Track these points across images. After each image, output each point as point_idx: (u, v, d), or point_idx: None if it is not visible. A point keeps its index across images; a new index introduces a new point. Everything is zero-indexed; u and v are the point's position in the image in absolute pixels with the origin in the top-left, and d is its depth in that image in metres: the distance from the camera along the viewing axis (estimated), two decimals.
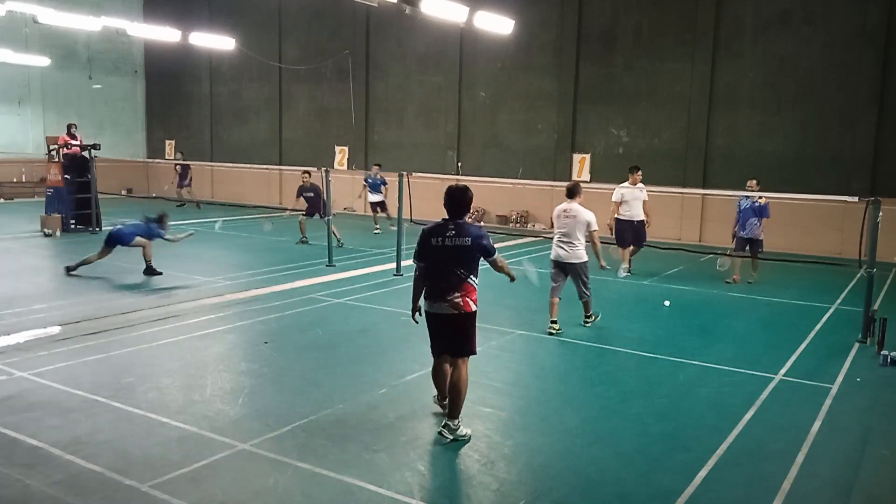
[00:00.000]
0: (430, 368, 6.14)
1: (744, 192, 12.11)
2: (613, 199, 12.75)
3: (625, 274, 12.45)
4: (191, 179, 23.64)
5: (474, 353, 5.81)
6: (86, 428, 5.55)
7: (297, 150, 24.45)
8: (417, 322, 5.95)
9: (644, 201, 12.73)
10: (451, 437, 5.52)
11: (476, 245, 5.67)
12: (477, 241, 5.67)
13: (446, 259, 5.64)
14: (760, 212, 11.96)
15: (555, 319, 8.67)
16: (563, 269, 8.76)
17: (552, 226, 9.11)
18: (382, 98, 22.65)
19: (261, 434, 5.50)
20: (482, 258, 5.75)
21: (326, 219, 14.87)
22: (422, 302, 5.85)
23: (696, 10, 17.31)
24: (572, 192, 8.86)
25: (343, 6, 21.51)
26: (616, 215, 12.72)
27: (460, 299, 5.63)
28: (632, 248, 12.86)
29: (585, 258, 8.73)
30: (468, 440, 5.53)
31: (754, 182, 12.19)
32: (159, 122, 28.42)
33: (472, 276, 5.69)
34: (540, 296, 11.16)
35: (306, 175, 15.57)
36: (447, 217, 5.77)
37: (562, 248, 8.69)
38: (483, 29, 15.24)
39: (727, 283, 12.31)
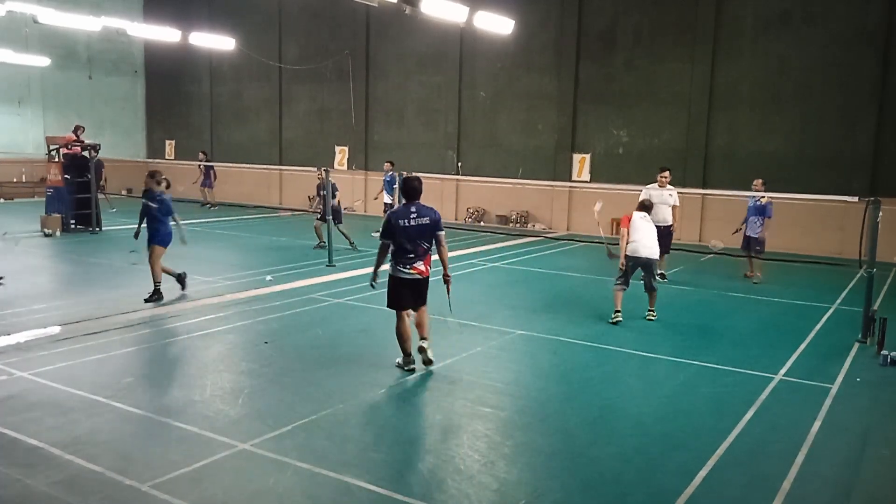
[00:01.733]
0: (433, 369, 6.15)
1: (748, 193, 12.50)
2: (640, 200, 12.24)
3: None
4: (213, 180, 23.24)
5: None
6: (86, 428, 5.55)
7: (297, 150, 24.46)
8: (375, 287, 7.28)
9: (674, 206, 12.12)
10: (428, 349, 7.13)
11: (434, 223, 7.06)
12: (434, 219, 7.09)
13: (412, 235, 6.96)
14: (761, 211, 12.25)
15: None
16: (641, 264, 9.55)
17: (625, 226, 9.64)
18: (382, 98, 22.66)
19: (261, 434, 5.50)
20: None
21: (337, 222, 14.84)
22: (390, 270, 7.14)
23: (696, 10, 17.32)
24: (647, 207, 9.86)
25: (343, 6, 21.52)
26: None
27: (423, 266, 7.09)
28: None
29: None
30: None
31: (759, 182, 12.54)
32: (159, 122, 28.43)
33: (430, 248, 7.14)
34: (540, 296, 11.17)
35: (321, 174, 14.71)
36: (406, 202, 7.06)
37: (644, 245, 9.46)
38: (483, 29, 15.25)
39: (747, 276, 12.68)
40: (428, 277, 7.13)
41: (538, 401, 6.51)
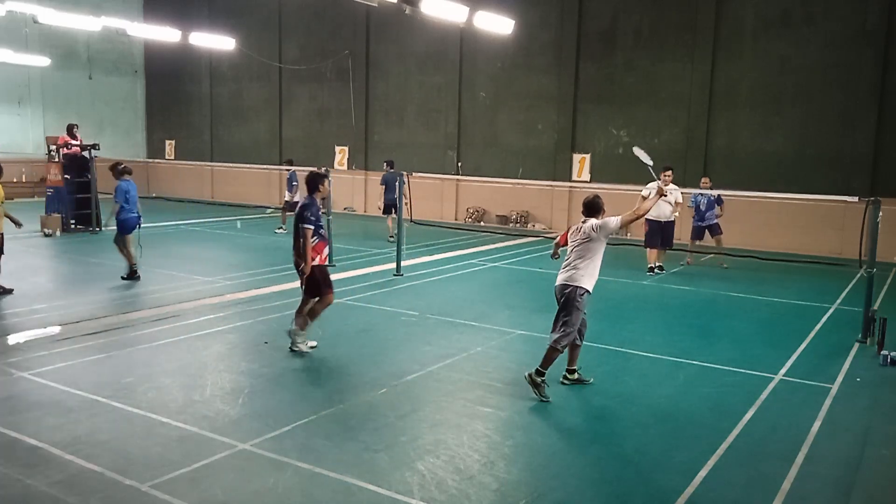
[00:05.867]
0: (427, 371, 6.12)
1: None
2: (643, 194, 12.81)
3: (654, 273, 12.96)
4: None
5: (321, 295, 7.71)
6: (86, 428, 5.55)
7: (297, 150, 24.44)
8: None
9: (677, 202, 13.08)
10: (290, 343, 7.64)
11: (298, 211, 7.54)
12: (299, 208, 7.56)
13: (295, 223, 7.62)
14: (718, 201, 13.70)
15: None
16: (556, 294, 6.63)
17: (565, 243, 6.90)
18: (382, 98, 22.66)
19: (261, 434, 5.50)
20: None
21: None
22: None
23: (696, 10, 17.32)
24: (591, 209, 6.66)
25: (343, 6, 21.52)
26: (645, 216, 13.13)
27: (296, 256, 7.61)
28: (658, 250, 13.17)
29: (585, 286, 6.48)
30: (302, 355, 7.56)
31: (707, 180, 14.12)
32: (159, 122, 28.43)
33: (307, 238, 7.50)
34: (540, 296, 11.16)
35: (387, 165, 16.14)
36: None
37: (562, 272, 6.64)
38: (483, 29, 15.25)
39: (681, 265, 13.83)
40: (308, 266, 7.56)
41: (538, 401, 6.50)
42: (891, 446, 5.70)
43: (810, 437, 5.71)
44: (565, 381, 6.82)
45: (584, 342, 6.85)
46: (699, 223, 13.75)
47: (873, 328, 8.43)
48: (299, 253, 7.58)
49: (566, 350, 6.68)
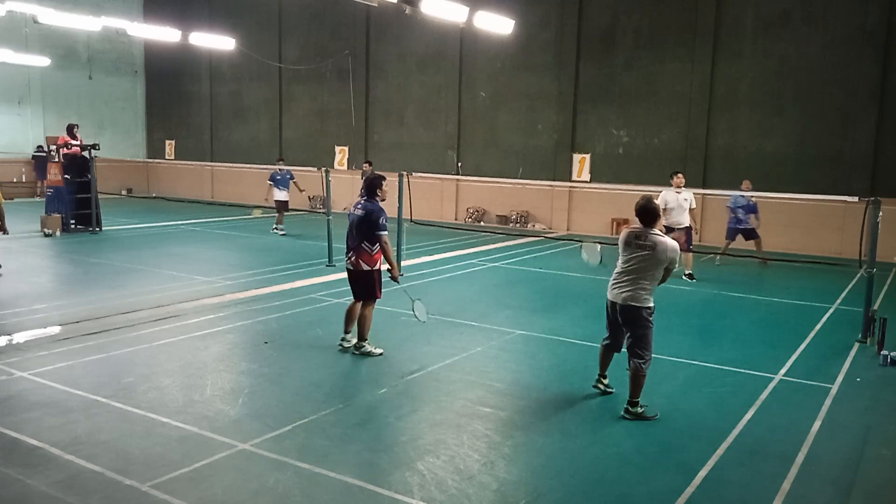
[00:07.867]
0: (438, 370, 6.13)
1: (739, 192, 13.59)
2: (660, 205, 12.56)
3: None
4: None
5: (373, 298, 7.59)
6: (86, 428, 5.55)
7: (297, 150, 24.46)
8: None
9: (691, 209, 12.44)
10: (358, 352, 7.53)
11: (367, 217, 7.30)
12: (368, 213, 7.31)
13: (351, 226, 7.47)
14: (754, 209, 13.72)
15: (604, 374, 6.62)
16: (618, 314, 6.22)
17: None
18: (382, 98, 22.66)
19: (261, 434, 5.50)
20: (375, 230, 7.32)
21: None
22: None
23: (696, 10, 17.32)
24: (649, 217, 6.08)
25: (343, 6, 21.53)
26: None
27: (355, 259, 7.44)
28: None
29: (651, 304, 6.12)
30: (379, 355, 7.50)
31: (748, 183, 13.77)
32: (159, 122, 28.43)
33: (365, 242, 7.37)
34: (540, 296, 11.17)
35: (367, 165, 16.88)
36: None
37: (622, 287, 6.15)
38: (483, 29, 15.26)
39: (717, 264, 13.91)
40: (361, 272, 7.47)
41: (538, 401, 6.51)
42: (891, 446, 5.70)
43: (810, 437, 5.71)
44: (599, 387, 6.59)
45: (584, 342, 6.87)
46: (735, 225, 13.71)
47: (873, 328, 8.42)
48: (370, 258, 7.45)
49: (601, 355, 6.57)
